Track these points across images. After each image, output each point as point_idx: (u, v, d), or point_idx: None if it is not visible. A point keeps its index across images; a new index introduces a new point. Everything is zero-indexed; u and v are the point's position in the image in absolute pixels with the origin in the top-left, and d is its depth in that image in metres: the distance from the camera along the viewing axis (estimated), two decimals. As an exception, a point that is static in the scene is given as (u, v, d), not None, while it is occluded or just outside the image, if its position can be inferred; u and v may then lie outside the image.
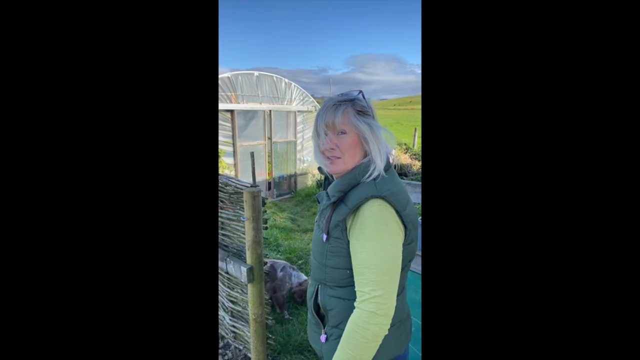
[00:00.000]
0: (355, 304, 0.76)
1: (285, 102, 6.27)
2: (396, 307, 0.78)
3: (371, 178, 0.78)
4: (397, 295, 0.82)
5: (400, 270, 0.76)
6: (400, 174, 7.03)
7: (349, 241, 0.78)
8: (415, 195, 2.08)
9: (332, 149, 0.81)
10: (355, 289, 0.76)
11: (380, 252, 0.73)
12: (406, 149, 8.14)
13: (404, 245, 0.77)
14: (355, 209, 0.76)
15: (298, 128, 6.53)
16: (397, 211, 0.75)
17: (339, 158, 0.81)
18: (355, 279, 0.76)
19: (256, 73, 5.69)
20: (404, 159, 7.61)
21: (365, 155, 0.82)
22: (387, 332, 0.74)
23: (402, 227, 0.76)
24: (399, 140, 9.22)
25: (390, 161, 0.85)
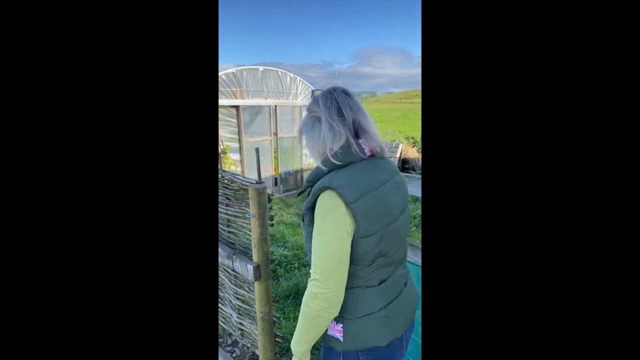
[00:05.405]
0: None
1: (291, 97, 6.24)
2: (365, 300, 0.83)
3: (326, 171, 0.83)
4: (368, 287, 0.83)
5: (345, 262, 0.78)
6: (407, 168, 6.96)
7: None
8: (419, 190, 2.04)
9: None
10: None
11: (321, 240, 0.78)
12: (413, 143, 8.06)
13: (358, 237, 0.78)
14: (315, 198, 0.82)
15: (304, 123, 6.50)
16: (345, 203, 0.76)
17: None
18: None
19: (261, 68, 5.67)
20: (411, 152, 7.53)
21: None
22: (331, 316, 0.80)
23: (350, 218, 0.76)
24: (406, 134, 9.13)
25: (362, 153, 0.83)
